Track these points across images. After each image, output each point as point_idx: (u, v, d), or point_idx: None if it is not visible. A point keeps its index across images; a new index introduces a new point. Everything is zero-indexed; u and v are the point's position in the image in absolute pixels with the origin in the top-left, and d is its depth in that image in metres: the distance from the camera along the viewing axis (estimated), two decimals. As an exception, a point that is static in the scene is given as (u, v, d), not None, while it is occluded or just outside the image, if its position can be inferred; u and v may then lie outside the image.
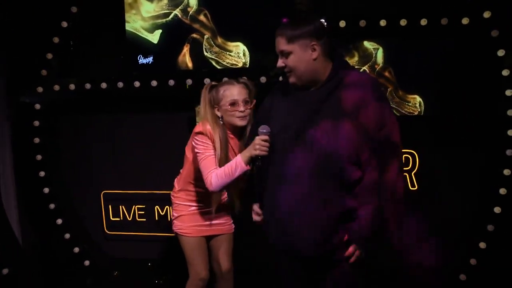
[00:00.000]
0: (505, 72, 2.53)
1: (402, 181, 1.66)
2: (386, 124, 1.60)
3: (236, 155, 1.99)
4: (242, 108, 1.97)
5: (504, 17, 2.47)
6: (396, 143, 1.64)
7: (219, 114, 2.03)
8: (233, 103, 1.97)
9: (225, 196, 2.20)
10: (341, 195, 1.60)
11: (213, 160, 1.91)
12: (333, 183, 1.59)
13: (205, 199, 2.14)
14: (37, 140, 3.00)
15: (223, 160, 1.96)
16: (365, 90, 1.60)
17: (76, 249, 3.08)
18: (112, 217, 3.13)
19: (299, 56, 1.60)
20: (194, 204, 2.15)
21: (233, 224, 2.26)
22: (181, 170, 2.22)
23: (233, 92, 1.98)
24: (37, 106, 2.98)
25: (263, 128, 1.71)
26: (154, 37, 2.79)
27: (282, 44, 1.61)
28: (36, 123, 2.99)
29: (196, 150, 1.97)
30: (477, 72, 2.59)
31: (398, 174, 1.63)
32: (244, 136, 2.06)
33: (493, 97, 2.59)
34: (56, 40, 2.88)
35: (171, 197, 2.24)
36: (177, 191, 2.20)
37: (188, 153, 2.15)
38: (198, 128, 2.00)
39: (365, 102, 1.58)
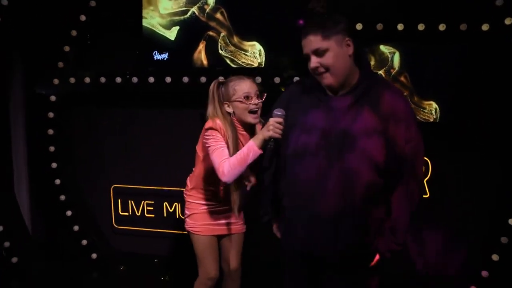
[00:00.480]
0: (525, 80, 2.48)
1: (420, 194, 1.69)
2: (412, 139, 1.58)
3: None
4: (255, 101, 1.99)
5: (526, 24, 2.42)
6: (419, 157, 1.64)
7: (229, 110, 2.03)
8: (247, 96, 1.99)
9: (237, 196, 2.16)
10: (368, 205, 1.58)
11: (225, 151, 1.90)
12: (360, 194, 1.56)
13: (217, 197, 2.13)
14: (51, 131, 3.04)
15: (232, 152, 1.95)
16: (397, 104, 1.57)
17: (84, 242, 3.10)
18: (121, 212, 3.15)
19: (337, 52, 1.52)
20: (206, 202, 2.14)
21: (244, 224, 2.24)
22: (193, 169, 2.22)
23: (245, 86, 2.00)
24: (53, 98, 3.01)
25: (279, 111, 1.67)
26: (171, 34, 2.81)
27: (316, 42, 1.51)
28: (51, 114, 3.02)
29: (207, 145, 1.96)
30: (495, 79, 2.53)
31: (419, 188, 1.65)
32: (253, 131, 2.06)
33: (510, 104, 2.53)
34: (74, 33, 2.91)
35: (184, 195, 2.24)
36: (190, 189, 2.19)
37: (199, 152, 2.14)
38: (208, 124, 1.99)
39: (395, 116, 1.55)
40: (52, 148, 3.05)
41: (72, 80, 2.97)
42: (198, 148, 2.15)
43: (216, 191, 2.11)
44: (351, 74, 1.58)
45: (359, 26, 2.61)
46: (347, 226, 1.56)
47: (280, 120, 1.67)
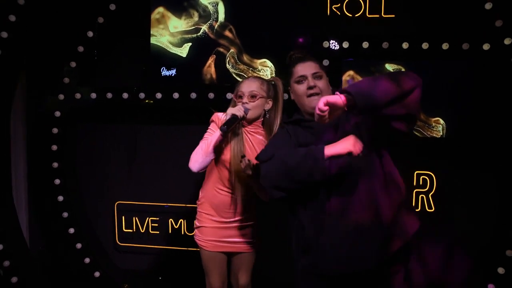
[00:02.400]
0: (524, 98, 2.58)
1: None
2: None
3: (255, 153, 1.99)
4: (245, 100, 2.02)
5: (524, 44, 2.53)
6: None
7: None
8: (240, 96, 2.04)
9: (249, 212, 2.17)
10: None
11: (207, 141, 2.01)
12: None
13: (230, 210, 2.11)
14: (54, 147, 3.00)
15: (237, 154, 1.98)
16: None
17: (87, 260, 3.04)
18: (125, 229, 3.10)
19: (327, 82, 1.79)
20: (217, 214, 2.12)
21: (256, 242, 2.20)
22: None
23: (243, 85, 2.06)
24: (57, 114, 2.98)
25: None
26: (183, 51, 2.83)
27: (315, 67, 1.77)
28: (55, 130, 2.99)
29: None
30: (497, 96, 2.62)
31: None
32: (270, 135, 2.03)
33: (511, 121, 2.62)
34: (81, 49, 2.91)
35: (197, 204, 2.24)
36: (200, 198, 2.20)
37: None
38: (212, 117, 2.10)
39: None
40: (55, 164, 3.01)
41: (78, 95, 2.96)
42: None
43: (226, 202, 2.10)
44: None
45: (365, 45, 2.69)
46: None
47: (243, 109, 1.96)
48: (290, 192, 1.66)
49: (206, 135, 2.05)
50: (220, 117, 2.03)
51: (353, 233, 1.60)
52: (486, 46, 2.58)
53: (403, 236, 1.64)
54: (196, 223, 2.20)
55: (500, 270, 2.62)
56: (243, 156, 1.89)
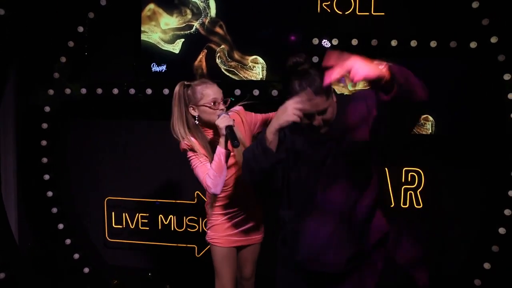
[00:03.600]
0: (510, 96, 2.61)
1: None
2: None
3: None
4: (222, 106, 2.01)
5: (510, 42, 2.57)
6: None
7: (195, 113, 2.03)
8: (215, 102, 2.01)
9: (254, 204, 2.18)
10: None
11: (207, 165, 1.96)
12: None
13: (234, 205, 2.13)
14: (44, 142, 2.99)
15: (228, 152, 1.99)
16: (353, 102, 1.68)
17: (76, 255, 3.03)
18: (115, 225, 3.10)
19: (333, 105, 1.60)
20: (224, 211, 2.13)
21: (262, 234, 2.23)
22: None
23: (213, 91, 2.02)
24: (47, 109, 2.97)
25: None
26: (176, 47, 2.84)
27: (323, 103, 1.54)
28: (45, 125, 2.98)
29: (191, 166, 2.01)
30: (484, 94, 2.66)
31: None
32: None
33: (498, 119, 2.65)
34: (71, 44, 2.91)
35: (206, 207, 2.23)
36: (207, 201, 2.20)
37: None
38: (182, 146, 2.02)
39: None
40: (45, 160, 3.00)
41: (68, 91, 2.95)
42: None
43: (232, 200, 2.11)
44: None
45: (354, 42, 2.71)
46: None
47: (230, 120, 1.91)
48: (264, 183, 1.66)
49: (194, 162, 1.98)
50: (186, 144, 1.99)
51: (328, 229, 1.62)
52: (473, 44, 2.62)
53: (378, 234, 1.66)
54: (208, 224, 2.20)
55: (486, 266, 2.66)
56: (236, 144, 1.86)
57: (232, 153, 2.03)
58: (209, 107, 1.99)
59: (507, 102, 2.62)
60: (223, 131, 1.89)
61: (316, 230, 1.64)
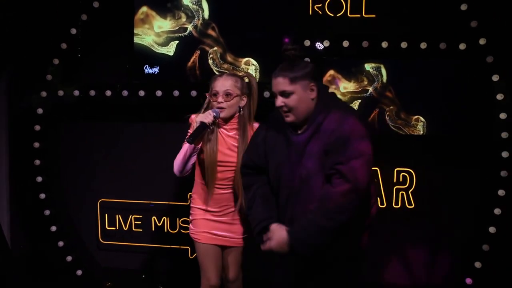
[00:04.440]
0: (499, 96, 2.65)
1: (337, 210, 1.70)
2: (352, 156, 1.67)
3: (230, 147, 2.06)
4: (220, 99, 2.03)
5: (498, 44, 2.61)
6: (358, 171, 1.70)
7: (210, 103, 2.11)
8: (214, 94, 2.05)
9: (236, 208, 2.18)
10: None
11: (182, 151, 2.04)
12: None
13: (219, 204, 2.13)
14: (37, 144, 2.98)
15: (213, 152, 2.02)
16: (340, 131, 1.68)
17: (69, 258, 3.02)
18: (108, 226, 3.09)
19: (301, 96, 1.71)
20: (208, 208, 2.14)
21: (246, 238, 2.21)
22: None
23: (217, 83, 2.06)
24: (40, 111, 2.97)
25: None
26: (170, 50, 2.85)
27: (284, 84, 1.70)
28: (37, 127, 2.97)
29: None
30: (474, 95, 2.69)
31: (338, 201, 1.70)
32: (244, 131, 2.08)
33: (488, 119, 2.69)
34: (64, 46, 2.91)
35: (190, 201, 2.27)
36: (192, 194, 2.22)
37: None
38: (190, 119, 2.10)
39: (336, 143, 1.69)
40: (37, 162, 2.99)
41: (61, 93, 2.95)
42: None
43: (215, 196, 2.12)
44: (312, 113, 1.75)
45: (345, 44, 2.74)
46: None
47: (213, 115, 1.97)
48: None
49: (184, 144, 2.06)
50: (192, 116, 2.06)
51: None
52: (462, 46, 2.65)
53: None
54: (190, 217, 2.22)
55: (477, 264, 2.68)
56: (189, 141, 1.95)
57: (202, 154, 2.05)
58: (210, 97, 2.06)
59: (496, 102, 2.66)
60: (196, 124, 1.94)
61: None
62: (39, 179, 3.00)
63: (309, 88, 1.72)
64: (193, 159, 2.06)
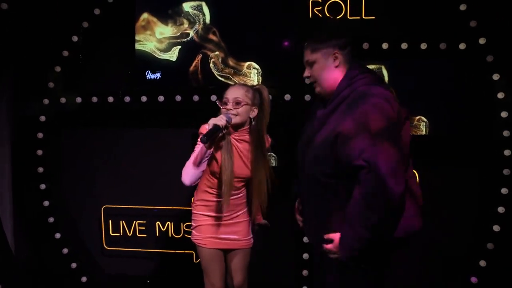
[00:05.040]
0: (500, 95, 2.66)
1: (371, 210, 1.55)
2: (365, 150, 1.51)
3: (244, 160, 2.06)
4: (229, 106, 2.04)
5: (498, 43, 2.62)
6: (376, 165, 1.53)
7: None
8: (225, 102, 2.06)
9: (243, 209, 2.20)
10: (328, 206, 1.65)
11: (193, 155, 2.03)
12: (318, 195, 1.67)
13: (221, 209, 2.13)
14: (40, 152, 2.99)
15: (227, 163, 2.01)
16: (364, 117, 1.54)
17: (74, 265, 3.02)
18: (112, 233, 3.09)
19: (322, 65, 1.68)
20: (212, 214, 2.14)
21: (252, 239, 2.23)
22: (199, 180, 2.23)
23: (228, 91, 2.08)
24: (42, 118, 2.98)
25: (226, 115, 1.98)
26: (173, 55, 2.86)
27: (306, 54, 1.72)
28: (40, 135, 2.98)
29: None
30: (476, 94, 2.70)
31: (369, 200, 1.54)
32: (259, 144, 2.08)
33: (489, 118, 2.70)
34: (65, 53, 2.92)
35: (192, 206, 2.25)
36: (195, 200, 2.21)
37: None
38: (200, 130, 2.07)
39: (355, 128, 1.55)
40: (41, 169, 3.00)
41: (63, 100, 2.96)
42: None
43: (218, 202, 2.12)
44: (338, 85, 1.68)
45: (346, 46, 2.75)
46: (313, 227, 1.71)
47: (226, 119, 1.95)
48: None
49: (195, 148, 2.06)
50: (207, 129, 2.00)
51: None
52: (462, 46, 2.67)
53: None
54: (193, 223, 2.21)
55: (482, 263, 2.69)
56: (203, 140, 1.90)
57: (216, 157, 2.04)
58: (220, 105, 2.08)
59: (497, 101, 2.67)
60: (209, 127, 1.93)
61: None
62: (43, 186, 3.00)
63: (332, 56, 1.67)
64: (204, 165, 2.03)
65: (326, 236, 1.61)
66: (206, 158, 2.03)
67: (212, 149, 2.01)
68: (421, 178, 2.79)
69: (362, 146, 1.49)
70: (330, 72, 1.68)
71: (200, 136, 2.02)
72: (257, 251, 2.30)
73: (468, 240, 2.77)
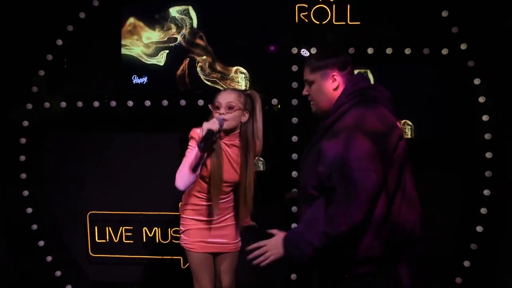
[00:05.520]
0: (481, 99, 2.73)
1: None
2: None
3: (233, 165, 2.07)
4: (222, 111, 2.04)
5: (479, 49, 2.70)
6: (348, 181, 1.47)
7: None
8: (217, 106, 2.06)
9: (231, 213, 2.19)
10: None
11: (187, 160, 1.99)
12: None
13: (210, 213, 2.13)
14: (23, 158, 2.93)
15: (216, 167, 2.02)
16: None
17: (58, 273, 2.95)
18: (98, 239, 3.04)
19: (320, 86, 1.64)
20: (201, 218, 2.14)
21: (239, 243, 2.24)
22: None
23: (220, 95, 2.08)
24: (25, 123, 2.92)
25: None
26: (161, 60, 2.85)
27: (306, 73, 1.68)
28: (23, 140, 2.92)
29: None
30: (458, 98, 2.77)
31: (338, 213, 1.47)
32: (247, 149, 2.09)
33: (472, 121, 2.77)
34: (49, 57, 2.88)
35: (179, 211, 2.23)
36: (183, 204, 2.19)
37: None
38: (190, 134, 2.06)
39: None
40: (24, 175, 2.93)
41: (47, 104, 2.91)
42: None
43: (208, 206, 2.12)
44: (334, 103, 1.64)
45: (332, 50, 2.79)
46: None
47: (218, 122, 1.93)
48: None
49: (186, 152, 2.03)
50: (198, 133, 2.02)
51: None
52: (445, 51, 2.74)
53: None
54: (181, 228, 2.19)
55: (466, 263, 2.74)
56: (200, 146, 1.89)
57: (206, 161, 2.03)
58: (212, 109, 2.07)
59: (478, 105, 2.75)
60: (203, 132, 1.92)
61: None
62: (26, 193, 2.94)
63: (331, 77, 1.62)
64: (199, 169, 2.00)
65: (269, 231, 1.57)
66: (201, 162, 2.01)
67: (204, 154, 2.00)
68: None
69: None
70: (328, 94, 1.64)
71: (192, 141, 2.02)
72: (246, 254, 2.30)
73: (452, 241, 2.83)
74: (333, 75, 1.62)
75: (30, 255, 2.96)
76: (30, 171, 2.97)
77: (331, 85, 1.63)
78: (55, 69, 2.93)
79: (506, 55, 2.69)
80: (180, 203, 2.25)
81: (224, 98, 2.05)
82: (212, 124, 1.94)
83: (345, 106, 1.58)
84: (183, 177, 1.96)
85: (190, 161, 1.95)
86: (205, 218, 2.14)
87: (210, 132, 1.91)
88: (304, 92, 1.71)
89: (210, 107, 2.10)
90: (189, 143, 2.05)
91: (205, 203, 2.12)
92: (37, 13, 2.85)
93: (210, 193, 2.06)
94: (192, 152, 1.97)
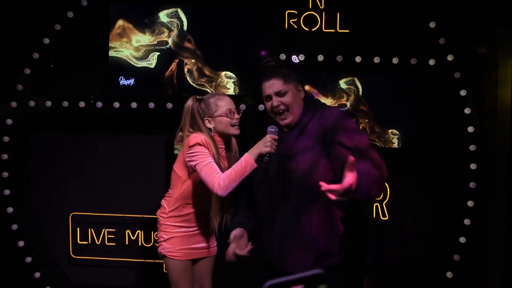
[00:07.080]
0: (467, 111, 2.75)
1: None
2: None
3: (225, 165, 2.05)
4: (237, 116, 2.07)
5: (465, 60, 2.72)
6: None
7: (210, 125, 2.06)
8: (231, 112, 2.06)
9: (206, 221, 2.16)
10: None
11: (215, 165, 1.93)
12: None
13: (198, 219, 2.11)
14: (5, 156, 2.88)
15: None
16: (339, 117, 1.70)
17: (37, 274, 2.91)
18: (80, 241, 3.00)
19: (294, 94, 1.75)
20: (186, 225, 2.11)
21: (216, 247, 2.23)
22: (169, 191, 2.15)
23: (226, 101, 2.08)
24: (9, 121, 2.88)
25: (272, 128, 1.79)
26: (151, 62, 2.83)
27: (279, 84, 1.73)
28: (6, 138, 2.88)
29: (193, 162, 1.95)
30: (444, 109, 2.79)
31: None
32: (230, 147, 2.14)
33: (457, 132, 2.79)
34: (36, 55, 2.85)
35: (159, 218, 2.16)
36: (168, 212, 2.12)
37: (180, 172, 2.09)
38: (194, 140, 1.97)
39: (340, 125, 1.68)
40: (5, 174, 2.89)
41: (32, 103, 2.88)
42: (178, 168, 2.10)
43: (196, 213, 2.10)
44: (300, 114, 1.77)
45: (320, 58, 2.80)
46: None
47: (276, 137, 1.78)
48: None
49: (202, 158, 1.94)
50: (205, 139, 1.98)
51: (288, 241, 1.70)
52: (432, 62, 2.76)
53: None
54: (164, 235, 2.12)
55: (449, 274, 2.74)
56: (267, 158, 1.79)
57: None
58: (226, 116, 2.04)
59: (464, 116, 2.76)
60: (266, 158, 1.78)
61: (279, 239, 1.69)
62: (7, 192, 2.89)
63: (298, 88, 1.78)
64: None
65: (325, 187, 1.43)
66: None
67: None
68: (392, 190, 2.86)
69: None
70: (299, 102, 1.76)
71: (202, 147, 1.96)
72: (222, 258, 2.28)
73: (435, 252, 2.83)
74: (299, 87, 1.79)
75: (9, 255, 2.91)
76: (13, 170, 2.93)
77: (301, 95, 1.79)
78: (41, 67, 2.90)
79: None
80: (158, 211, 2.18)
81: (231, 103, 2.07)
82: (271, 145, 1.78)
83: (307, 116, 1.73)
84: (231, 187, 1.86)
85: (246, 172, 1.84)
86: (189, 224, 2.11)
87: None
88: (276, 103, 1.72)
89: (225, 115, 2.05)
90: (199, 151, 1.95)
91: (192, 210, 2.10)
92: (24, 10, 2.83)
93: (202, 198, 2.06)
94: (243, 164, 1.85)
